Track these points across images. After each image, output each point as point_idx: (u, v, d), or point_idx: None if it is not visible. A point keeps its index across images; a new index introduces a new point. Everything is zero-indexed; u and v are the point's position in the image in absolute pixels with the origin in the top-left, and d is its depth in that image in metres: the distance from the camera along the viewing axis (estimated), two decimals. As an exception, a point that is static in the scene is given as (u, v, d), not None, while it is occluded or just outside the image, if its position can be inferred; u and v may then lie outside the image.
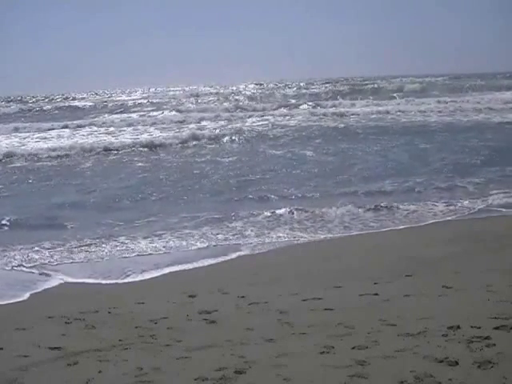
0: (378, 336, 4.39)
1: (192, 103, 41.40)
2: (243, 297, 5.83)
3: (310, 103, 35.62)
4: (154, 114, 33.47)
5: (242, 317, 5.22)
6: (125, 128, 26.03)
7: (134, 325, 5.07)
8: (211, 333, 4.79)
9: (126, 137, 22.69)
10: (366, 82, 57.84)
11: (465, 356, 3.85)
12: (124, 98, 55.54)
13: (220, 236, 8.64)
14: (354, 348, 4.17)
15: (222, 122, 27.08)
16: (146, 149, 19.44)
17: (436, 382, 3.52)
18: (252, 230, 8.83)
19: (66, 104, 49.29)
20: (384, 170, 13.83)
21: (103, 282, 6.92)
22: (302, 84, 62.39)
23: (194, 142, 20.58)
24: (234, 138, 21.30)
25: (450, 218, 9.31)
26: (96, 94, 67.66)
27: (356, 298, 5.57)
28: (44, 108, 44.84)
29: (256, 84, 66.77)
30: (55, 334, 4.93)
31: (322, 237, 8.51)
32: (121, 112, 37.28)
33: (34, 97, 61.37)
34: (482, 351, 3.91)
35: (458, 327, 4.39)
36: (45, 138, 23.14)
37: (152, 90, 71.39)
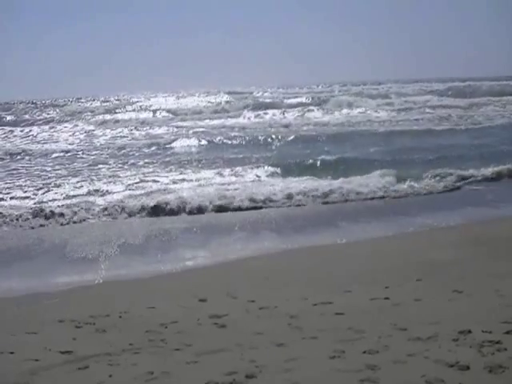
0: (388, 340, 4.37)
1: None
2: (253, 301, 5.83)
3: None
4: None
5: (252, 321, 5.22)
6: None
7: (145, 329, 5.07)
8: (221, 337, 4.79)
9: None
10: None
11: (476, 360, 3.83)
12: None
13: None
14: (364, 352, 4.16)
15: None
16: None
17: (447, 387, 3.51)
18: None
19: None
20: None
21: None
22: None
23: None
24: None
25: (457, 223, 9.29)
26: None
27: (366, 302, 5.56)
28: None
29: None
30: (66, 337, 4.94)
31: (332, 241, 8.51)
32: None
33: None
34: (493, 356, 3.89)
35: (469, 331, 4.37)
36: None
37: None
